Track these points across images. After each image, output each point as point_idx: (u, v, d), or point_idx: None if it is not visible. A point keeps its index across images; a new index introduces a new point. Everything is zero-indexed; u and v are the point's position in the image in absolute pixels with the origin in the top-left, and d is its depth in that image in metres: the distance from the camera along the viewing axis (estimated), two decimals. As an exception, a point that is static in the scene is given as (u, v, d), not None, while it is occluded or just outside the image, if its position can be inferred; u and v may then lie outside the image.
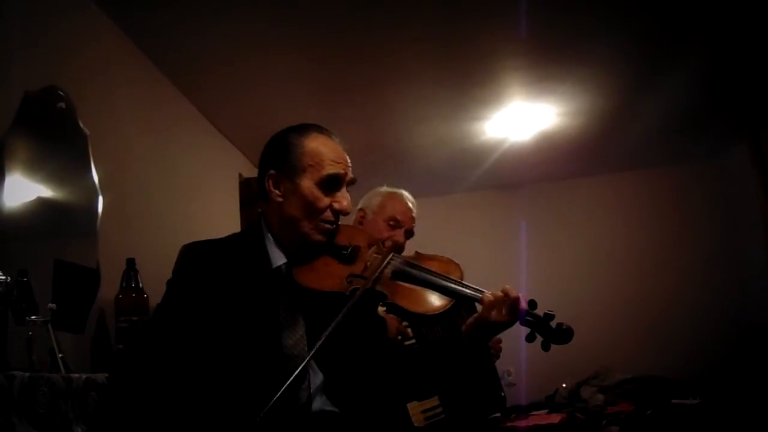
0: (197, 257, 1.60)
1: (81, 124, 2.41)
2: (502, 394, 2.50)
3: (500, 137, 4.67)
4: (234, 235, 1.75)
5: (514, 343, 2.25)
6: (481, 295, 1.59)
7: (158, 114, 3.39)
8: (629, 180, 5.64)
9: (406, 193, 2.60)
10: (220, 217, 3.92)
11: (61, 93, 2.33)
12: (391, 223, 2.50)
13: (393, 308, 1.58)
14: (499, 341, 2.58)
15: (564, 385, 5.02)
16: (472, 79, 3.83)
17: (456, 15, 3.14)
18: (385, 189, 2.62)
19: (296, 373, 1.39)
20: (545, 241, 5.57)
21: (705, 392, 4.43)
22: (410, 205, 2.56)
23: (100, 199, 2.44)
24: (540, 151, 4.95)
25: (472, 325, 1.63)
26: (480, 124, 4.44)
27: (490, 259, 5.29)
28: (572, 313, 1.53)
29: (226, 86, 3.67)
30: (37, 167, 2.22)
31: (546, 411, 4.82)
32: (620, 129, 4.66)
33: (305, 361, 1.42)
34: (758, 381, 4.45)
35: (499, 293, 1.57)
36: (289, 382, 1.37)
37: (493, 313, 1.57)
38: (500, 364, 2.68)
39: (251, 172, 4.41)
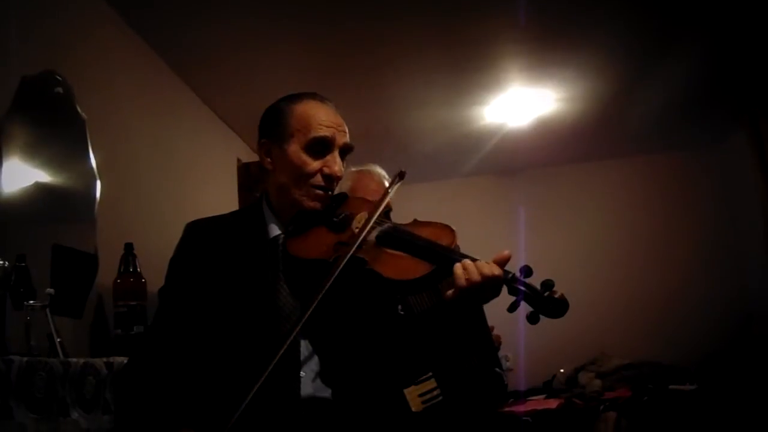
0: (196, 233, 1.63)
1: (79, 109, 2.40)
2: (501, 373, 2.45)
3: (499, 122, 4.65)
4: (237, 211, 1.77)
5: (513, 329, 2.25)
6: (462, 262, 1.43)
7: (156, 99, 3.37)
8: (627, 166, 5.63)
9: (375, 169, 2.47)
10: (219, 202, 3.91)
11: (59, 78, 2.32)
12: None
13: (371, 275, 1.48)
14: (498, 336, 2.58)
15: (562, 371, 5.05)
16: (470, 64, 3.81)
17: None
18: (353, 170, 2.47)
19: (284, 348, 1.37)
20: (543, 226, 5.56)
21: (702, 379, 4.46)
22: (383, 180, 2.42)
23: (98, 184, 2.44)
24: (538, 137, 4.93)
25: (455, 292, 1.45)
26: (479, 109, 4.43)
27: (488, 245, 5.20)
28: (569, 298, 1.46)
29: (224, 71, 3.65)
30: (35, 152, 2.21)
31: (544, 396, 4.86)
32: (619, 115, 4.65)
33: (289, 342, 1.39)
34: (755, 368, 4.46)
35: (477, 269, 1.40)
36: (276, 360, 1.35)
37: (471, 282, 1.40)
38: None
39: (249, 156, 4.41)
